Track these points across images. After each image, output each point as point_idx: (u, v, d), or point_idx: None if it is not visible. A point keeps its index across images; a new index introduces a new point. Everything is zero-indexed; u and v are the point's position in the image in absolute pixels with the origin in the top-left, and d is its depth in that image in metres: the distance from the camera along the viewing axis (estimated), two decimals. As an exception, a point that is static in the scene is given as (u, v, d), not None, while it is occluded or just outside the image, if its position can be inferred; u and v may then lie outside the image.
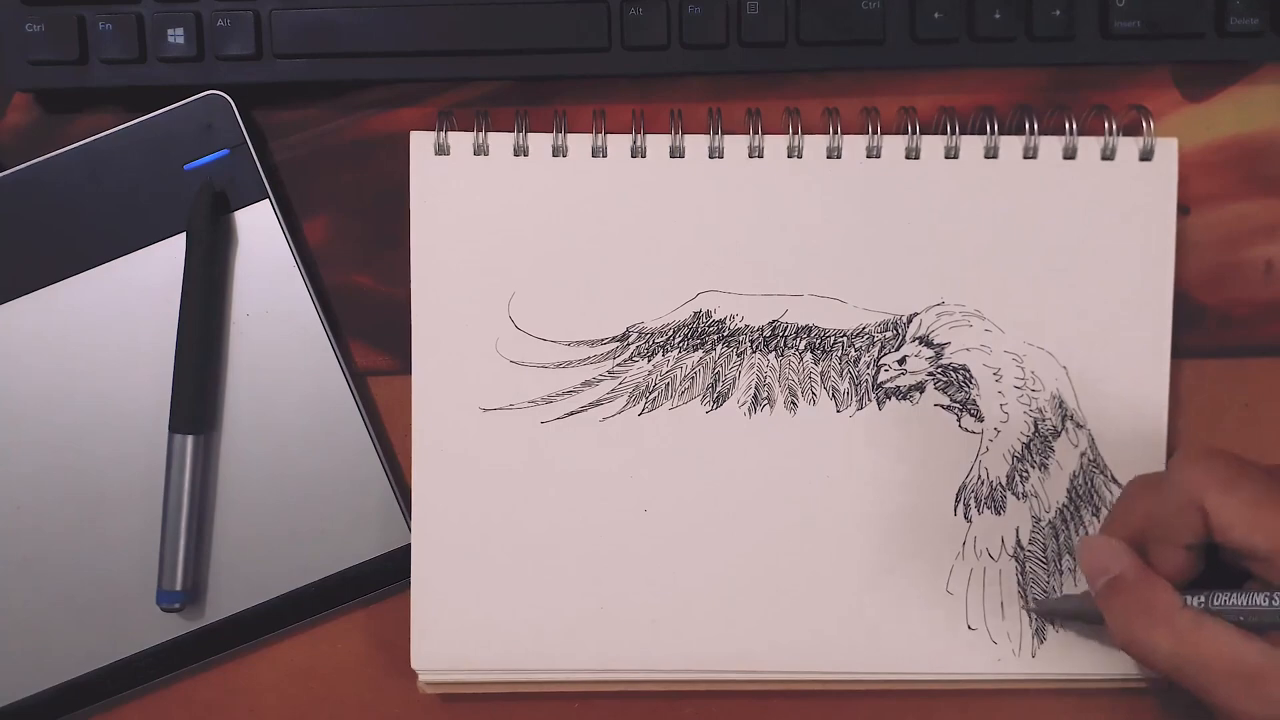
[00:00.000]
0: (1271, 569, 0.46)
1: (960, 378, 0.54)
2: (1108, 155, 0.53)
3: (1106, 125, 0.53)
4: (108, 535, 0.54)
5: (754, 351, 0.54)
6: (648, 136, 0.53)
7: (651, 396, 0.54)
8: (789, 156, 0.53)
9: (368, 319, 0.56)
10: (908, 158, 0.53)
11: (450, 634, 0.53)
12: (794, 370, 0.54)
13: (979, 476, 0.54)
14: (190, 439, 0.53)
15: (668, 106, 0.54)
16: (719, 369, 0.54)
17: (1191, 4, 0.53)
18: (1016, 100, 0.55)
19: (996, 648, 0.54)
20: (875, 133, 0.53)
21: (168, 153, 0.54)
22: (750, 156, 0.53)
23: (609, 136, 0.53)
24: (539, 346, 0.53)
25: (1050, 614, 0.54)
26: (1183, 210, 0.54)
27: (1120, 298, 0.53)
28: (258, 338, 0.54)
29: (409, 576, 0.54)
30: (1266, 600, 0.46)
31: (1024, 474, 0.54)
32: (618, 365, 0.54)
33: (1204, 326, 0.56)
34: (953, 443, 0.54)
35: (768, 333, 0.54)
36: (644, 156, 0.53)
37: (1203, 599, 0.47)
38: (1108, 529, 0.52)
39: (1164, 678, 0.48)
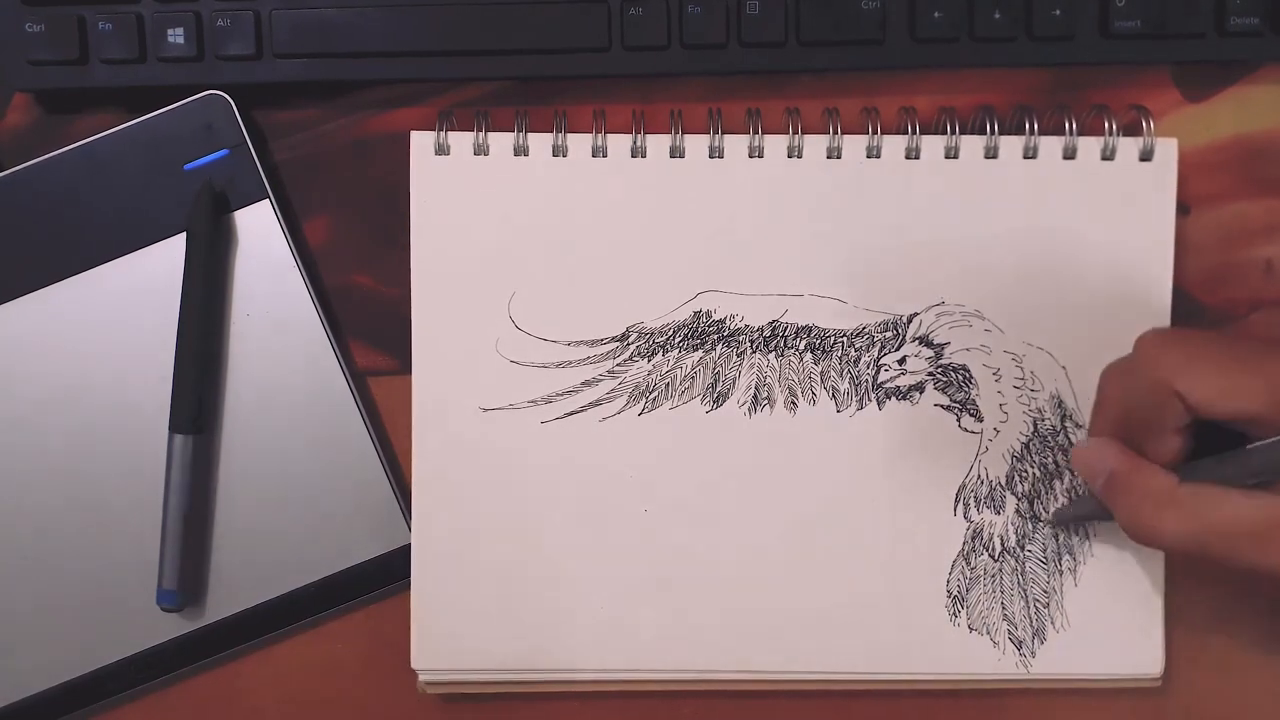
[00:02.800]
0: (1263, 427, 0.45)
1: (960, 378, 0.54)
2: (1108, 155, 0.53)
3: (1106, 125, 0.53)
4: (108, 535, 0.54)
5: (754, 351, 0.54)
6: (648, 136, 0.53)
7: (651, 396, 0.54)
8: (789, 156, 0.53)
9: (368, 319, 0.56)
10: (908, 158, 0.53)
11: (450, 634, 0.53)
12: (794, 370, 0.54)
13: (979, 476, 0.54)
14: (190, 439, 0.53)
15: (668, 106, 0.54)
16: (719, 369, 0.54)
17: (1191, 4, 0.53)
18: (1016, 100, 0.55)
19: (996, 648, 0.54)
20: (875, 133, 0.53)
21: (168, 153, 0.54)
22: (750, 156, 0.53)
23: (609, 136, 0.53)
24: (539, 346, 0.54)
25: (1065, 521, 0.54)
26: (1183, 210, 0.54)
27: (1120, 297, 0.53)
28: (258, 338, 0.54)
29: (409, 576, 0.54)
30: (1249, 456, 0.46)
31: (1023, 474, 0.54)
32: (618, 365, 0.54)
33: (1204, 326, 0.56)
34: (952, 443, 0.54)
35: (768, 333, 0.54)
36: (644, 156, 0.53)
37: (1194, 470, 0.47)
38: (1094, 429, 0.51)
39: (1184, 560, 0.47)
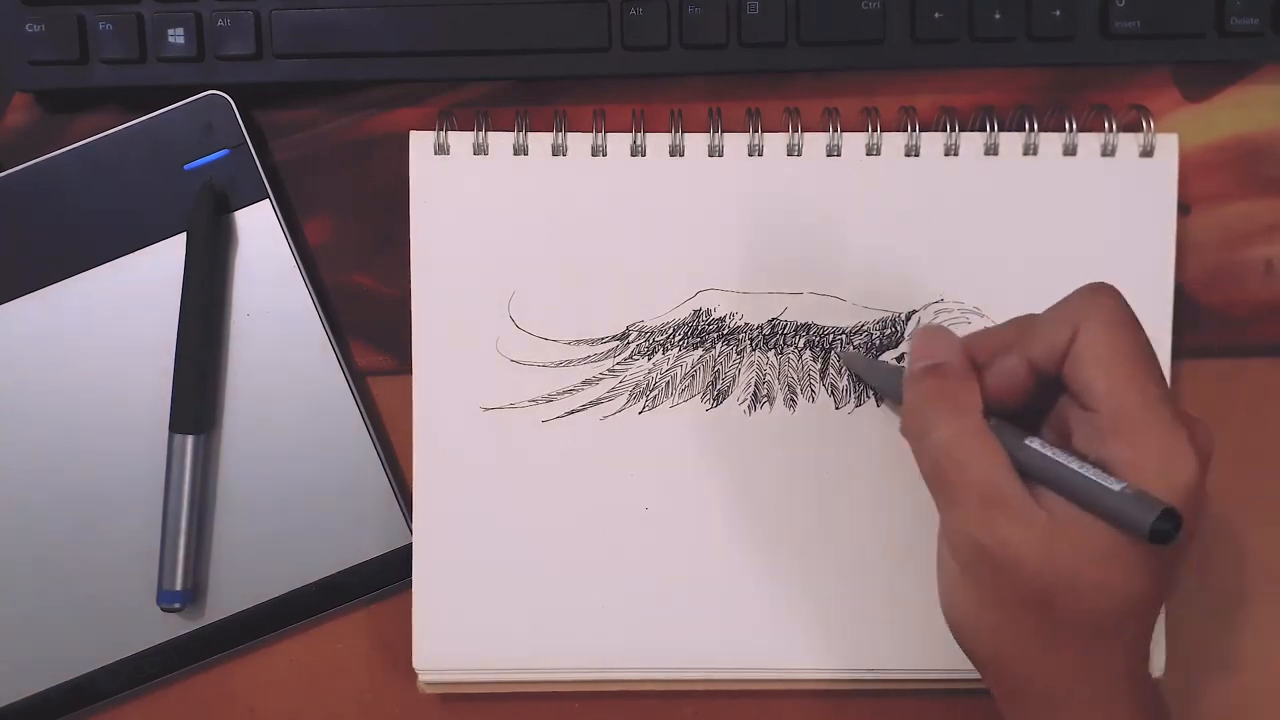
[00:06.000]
0: (1090, 424, 0.43)
1: (960, 375, 0.54)
2: (1108, 152, 0.53)
3: (1107, 124, 0.53)
4: (108, 535, 0.54)
5: (754, 349, 0.54)
6: (648, 135, 0.53)
7: (652, 395, 0.54)
8: (789, 155, 0.53)
9: (368, 319, 0.56)
10: (907, 155, 0.53)
11: (451, 634, 0.53)
12: (793, 368, 0.54)
13: (979, 474, 0.54)
14: (190, 439, 0.53)
15: (668, 106, 0.54)
16: (719, 367, 0.54)
17: (1191, 4, 0.53)
18: (1017, 100, 0.55)
19: (997, 647, 0.54)
20: (875, 131, 0.53)
21: (168, 153, 0.54)
22: (750, 155, 0.53)
23: (609, 136, 0.53)
24: (539, 345, 0.53)
25: (854, 367, 0.53)
26: (1183, 210, 0.54)
27: (1122, 293, 0.53)
28: (258, 338, 0.54)
29: (409, 576, 0.53)
30: (1045, 454, 0.43)
31: (1024, 471, 0.54)
32: (618, 364, 0.54)
33: (1204, 326, 0.56)
34: (953, 440, 0.54)
35: (767, 331, 0.54)
36: (644, 155, 0.53)
37: (997, 424, 0.45)
38: (972, 335, 0.48)
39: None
